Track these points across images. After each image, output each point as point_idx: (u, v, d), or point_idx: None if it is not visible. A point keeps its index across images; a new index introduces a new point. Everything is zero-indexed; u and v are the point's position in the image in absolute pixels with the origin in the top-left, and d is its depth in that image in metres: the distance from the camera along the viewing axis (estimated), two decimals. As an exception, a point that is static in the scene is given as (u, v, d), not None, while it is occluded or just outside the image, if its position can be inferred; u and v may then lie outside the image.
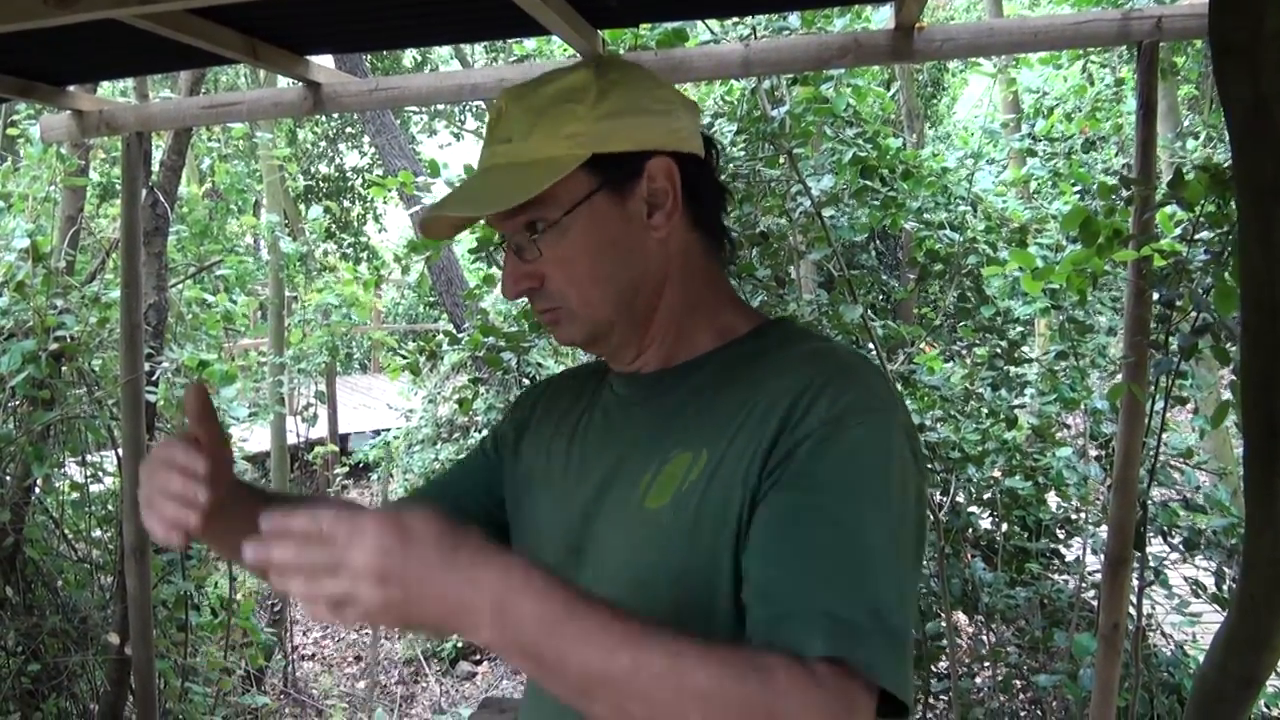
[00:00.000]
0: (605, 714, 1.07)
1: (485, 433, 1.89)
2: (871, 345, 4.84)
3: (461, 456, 1.73)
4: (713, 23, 4.93)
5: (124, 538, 4.76)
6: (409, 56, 17.60)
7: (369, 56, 13.04)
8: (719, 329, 1.44)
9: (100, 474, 6.76)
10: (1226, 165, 3.23)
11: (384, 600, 1.04)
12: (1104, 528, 4.46)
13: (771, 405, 1.25)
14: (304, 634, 10.38)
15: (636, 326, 1.42)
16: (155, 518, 1.31)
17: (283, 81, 4.09)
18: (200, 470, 1.29)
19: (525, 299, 1.44)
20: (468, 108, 21.77)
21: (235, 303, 8.60)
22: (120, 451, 5.77)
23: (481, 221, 1.53)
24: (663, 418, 1.39)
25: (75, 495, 6.56)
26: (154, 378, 6.25)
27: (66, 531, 6.54)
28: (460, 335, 5.72)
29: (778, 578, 1.15)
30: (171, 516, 1.30)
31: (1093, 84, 10.01)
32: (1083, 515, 5.83)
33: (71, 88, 4.28)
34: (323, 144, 19.51)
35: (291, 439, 12.09)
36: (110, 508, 6.59)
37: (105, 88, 10.69)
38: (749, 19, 4.77)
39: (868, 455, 1.21)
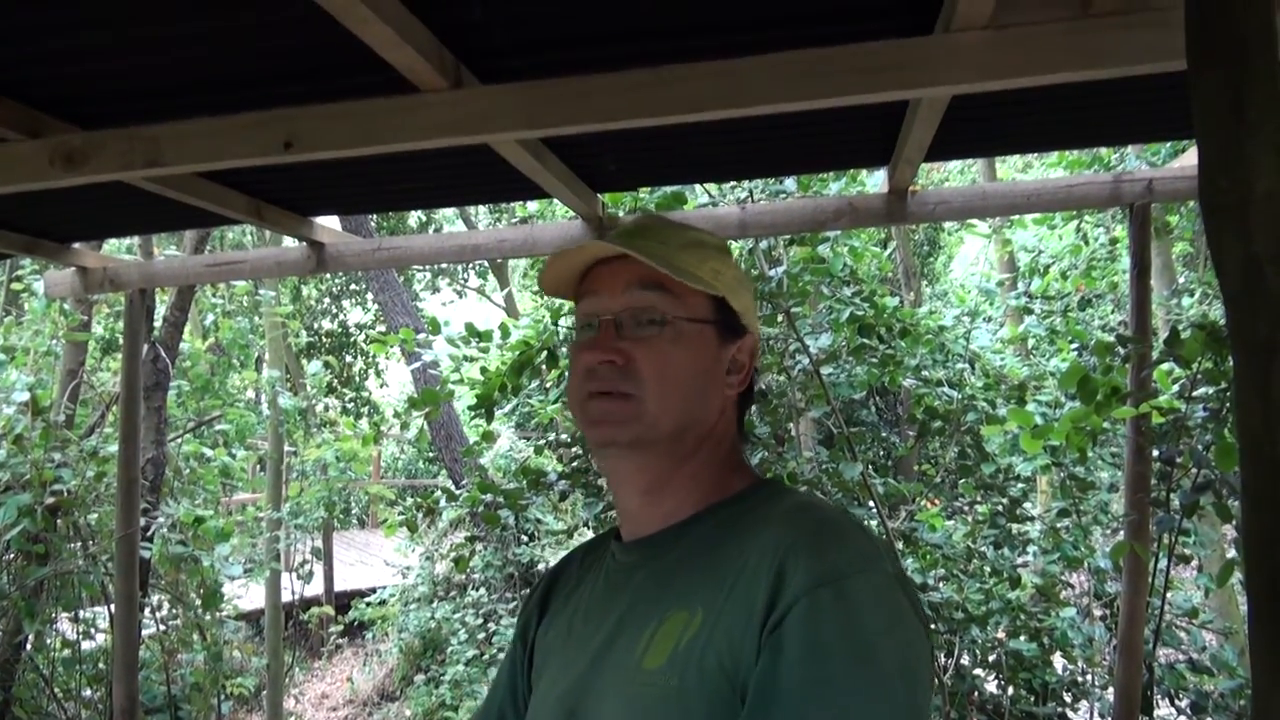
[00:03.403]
0: None
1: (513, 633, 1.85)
2: (872, 503, 4.81)
3: (501, 662, 1.72)
4: (711, 186, 5.02)
5: (114, 699, 4.66)
6: (414, 216, 17.85)
7: (374, 216, 13.25)
8: (721, 487, 1.46)
9: (93, 631, 6.67)
10: (1222, 322, 3.26)
11: None
12: (1111, 690, 4.39)
13: (759, 563, 1.26)
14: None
15: (672, 457, 1.44)
16: None
17: (287, 240, 4.14)
18: None
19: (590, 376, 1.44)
20: (470, 266, 22.04)
21: (234, 457, 8.59)
22: (113, 608, 5.70)
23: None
24: (660, 579, 1.39)
25: (67, 652, 6.47)
26: (149, 533, 6.22)
27: (57, 690, 6.44)
28: (458, 492, 5.70)
29: None
30: None
31: (1087, 243, 10.14)
32: (1089, 677, 5.73)
33: (76, 245, 4.34)
34: (326, 300, 19.68)
35: (287, 596, 11.96)
36: (102, 666, 6.50)
37: (111, 241, 10.83)
38: (746, 182, 4.86)
39: (867, 618, 1.20)
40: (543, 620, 1.62)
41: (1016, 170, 14.07)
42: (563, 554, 1.79)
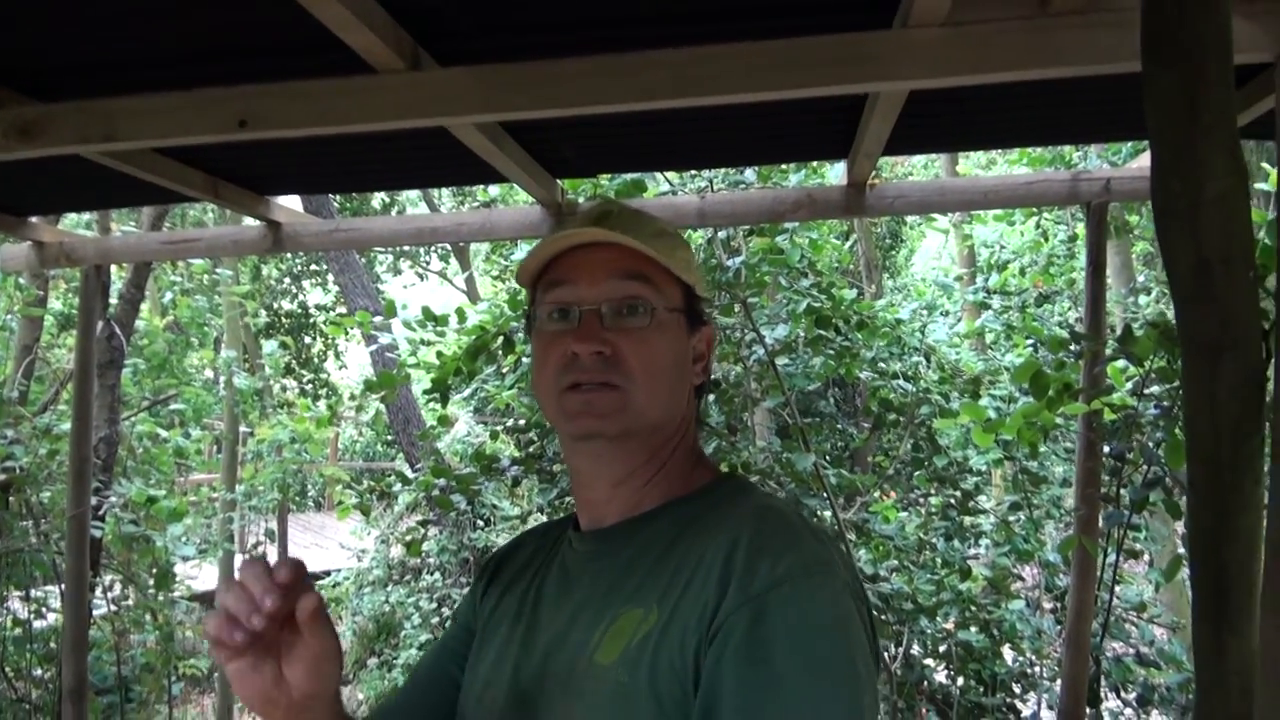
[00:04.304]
0: None
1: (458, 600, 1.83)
2: (825, 494, 4.84)
3: (436, 642, 1.71)
4: (672, 175, 5.02)
5: (63, 679, 4.62)
6: (378, 198, 17.75)
7: (337, 196, 13.17)
8: (685, 482, 1.46)
9: (44, 610, 6.62)
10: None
11: None
12: (1059, 682, 4.43)
13: (714, 563, 1.25)
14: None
15: (648, 448, 1.43)
16: (214, 620, 1.23)
17: (247, 219, 4.12)
18: (266, 588, 1.20)
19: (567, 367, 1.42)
20: (432, 249, 21.93)
21: (189, 436, 8.53)
22: (63, 587, 5.66)
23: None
24: (616, 572, 1.38)
25: (18, 631, 6.41)
26: (100, 512, 6.17)
27: (8, 669, 6.38)
28: (412, 476, 5.69)
29: None
30: (224, 623, 1.22)
31: (1047, 240, 10.20)
32: (1038, 669, 5.79)
33: (33, 219, 4.29)
34: (287, 280, 19.54)
35: (240, 578, 11.84)
36: (53, 645, 6.45)
37: (68, 217, 10.72)
38: (707, 171, 4.86)
39: (817, 625, 1.20)
40: (487, 595, 1.60)
41: (980, 167, 14.13)
42: (515, 535, 1.77)
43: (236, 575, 1.23)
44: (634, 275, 1.40)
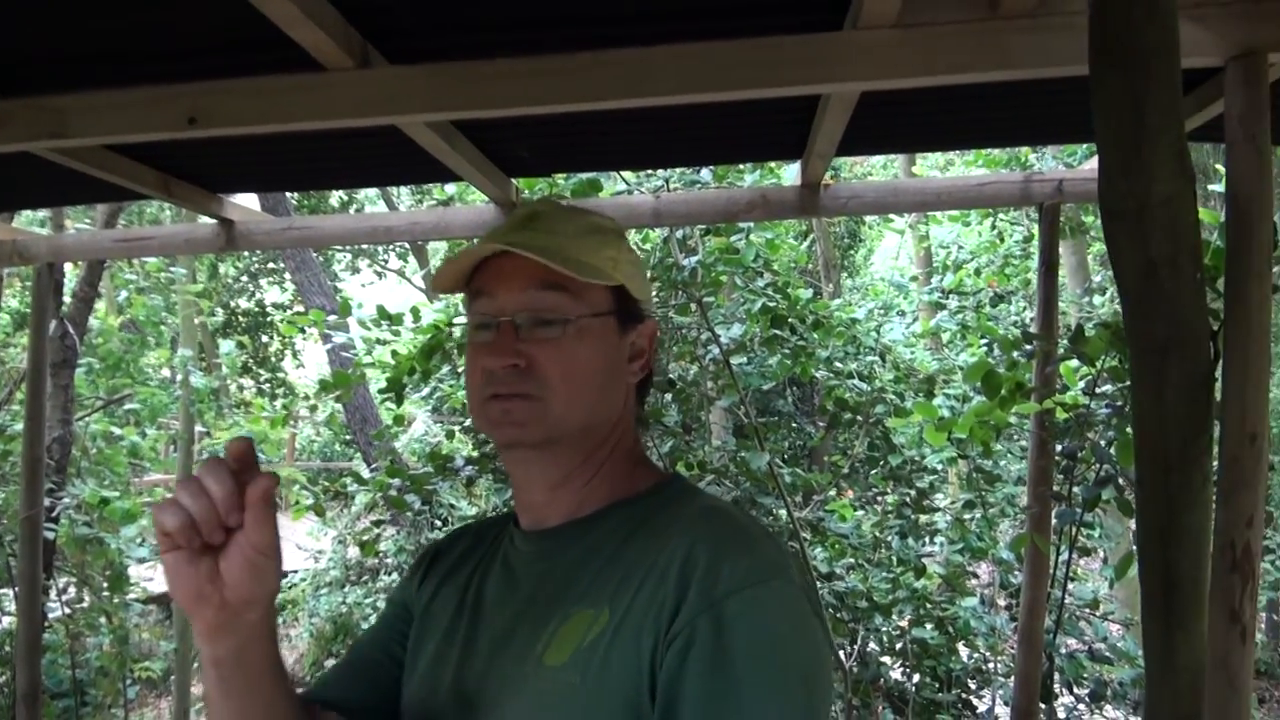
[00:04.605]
0: None
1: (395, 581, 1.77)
2: (780, 492, 4.85)
3: (374, 625, 1.68)
4: (628, 174, 5.02)
5: (17, 683, 4.56)
6: (335, 196, 17.66)
7: (293, 194, 13.08)
8: (628, 483, 1.45)
9: (-2, 613, 6.56)
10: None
11: None
12: (1013, 679, 4.46)
13: (668, 566, 1.25)
14: (202, 783, 10.01)
15: (579, 452, 1.42)
16: (173, 517, 1.18)
17: (201, 217, 4.09)
18: (233, 505, 1.18)
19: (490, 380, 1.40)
20: (390, 248, 21.84)
21: (144, 436, 8.46)
22: (17, 590, 5.59)
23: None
24: (564, 573, 1.37)
25: (-30, 635, 6.35)
26: (54, 514, 6.11)
27: (-38, 673, 6.32)
28: (367, 476, 5.66)
29: None
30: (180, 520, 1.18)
31: (1002, 241, 10.27)
32: (993, 665, 5.83)
33: (-14, 217, 4.25)
34: (244, 279, 19.43)
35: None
36: (7, 649, 6.38)
37: (21, 214, 10.61)
38: (662, 171, 4.86)
39: (778, 631, 1.20)
40: (424, 583, 1.59)
41: (936, 168, 14.21)
42: (451, 530, 1.75)
43: (201, 478, 1.19)
44: (551, 285, 1.37)
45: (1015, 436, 7.01)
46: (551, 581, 1.38)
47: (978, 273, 9.90)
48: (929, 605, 5.44)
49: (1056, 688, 4.76)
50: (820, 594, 4.81)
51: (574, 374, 1.37)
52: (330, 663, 10.55)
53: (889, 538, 5.64)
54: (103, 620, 7.20)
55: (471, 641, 1.42)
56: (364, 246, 20.88)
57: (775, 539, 1.35)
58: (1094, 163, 4.11)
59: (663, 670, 1.19)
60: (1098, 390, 4.00)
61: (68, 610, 7.07)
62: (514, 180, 3.78)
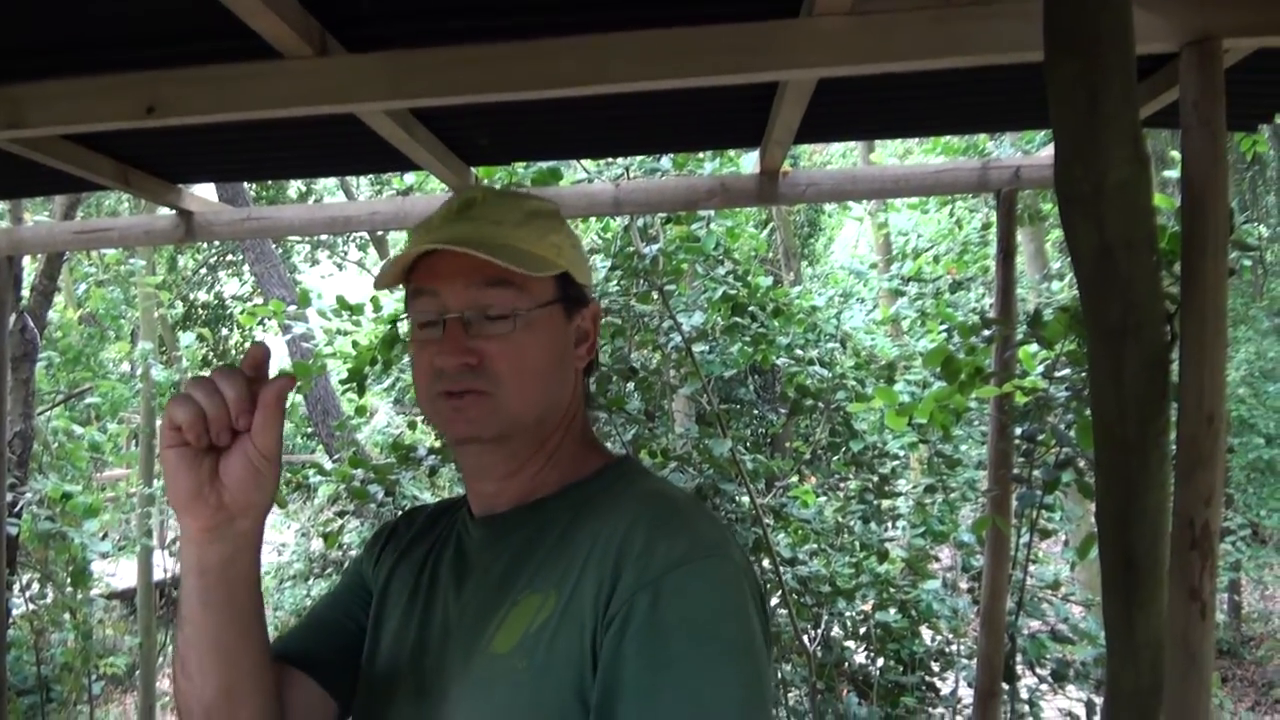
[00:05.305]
0: None
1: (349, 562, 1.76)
2: (742, 479, 4.87)
3: (332, 590, 1.68)
4: (588, 162, 5.02)
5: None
6: (294, 186, 17.54)
7: (252, 185, 12.99)
8: (577, 466, 1.45)
9: (-38, 610, 6.48)
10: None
11: None
12: (975, 660, 4.50)
13: (607, 548, 1.25)
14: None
15: (532, 442, 1.41)
16: (186, 411, 1.20)
17: (160, 209, 4.05)
18: (244, 409, 1.19)
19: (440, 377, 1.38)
20: (350, 239, 21.70)
21: (105, 431, 8.38)
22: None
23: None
24: (512, 559, 1.37)
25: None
26: (16, 509, 6.05)
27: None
28: (329, 467, 5.63)
29: None
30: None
31: (961, 228, 10.34)
32: (955, 647, 5.87)
33: (-60, 209, 4.20)
34: (203, 271, 19.29)
35: (160, 574, 11.67)
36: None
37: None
38: (623, 159, 4.86)
39: (714, 607, 1.20)
40: (381, 559, 1.59)
41: (895, 155, 14.28)
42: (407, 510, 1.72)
43: (215, 379, 1.21)
44: (498, 281, 1.34)
45: (975, 421, 7.06)
46: (500, 566, 1.38)
47: (936, 260, 9.96)
48: (892, 589, 5.48)
49: (1019, 668, 4.80)
50: (784, 578, 4.83)
51: (525, 368, 1.36)
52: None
53: (851, 523, 5.67)
54: (66, 616, 7.14)
55: (425, 627, 1.42)
56: (323, 238, 20.75)
57: (715, 520, 1.36)
58: (1050, 150, 4.15)
59: (602, 650, 1.19)
60: (1056, 374, 4.03)
61: (31, 606, 7.00)
62: (473, 169, 3.78)
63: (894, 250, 11.52)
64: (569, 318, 1.43)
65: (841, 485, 6.18)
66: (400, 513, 1.89)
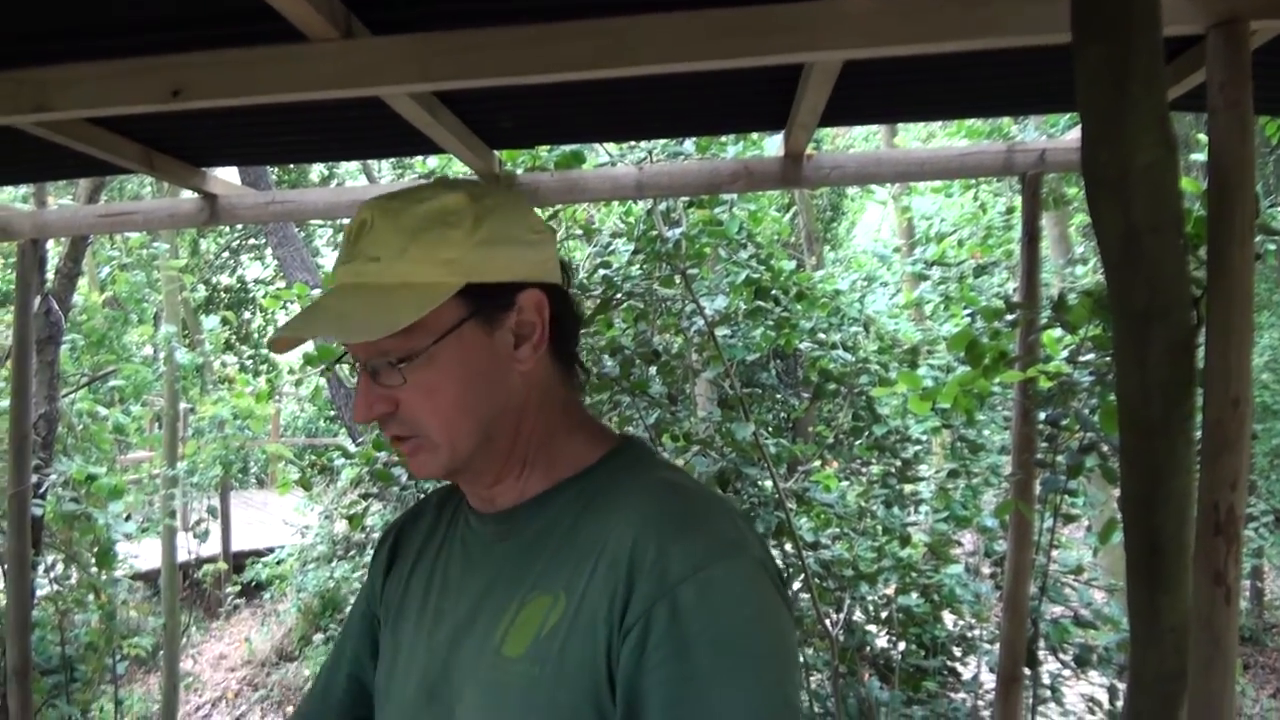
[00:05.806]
0: None
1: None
2: (765, 463, 4.86)
3: (346, 622, 1.67)
4: (611, 145, 5.01)
5: (8, 659, 4.55)
6: (316, 170, 17.57)
7: (274, 169, 13.02)
8: (573, 457, 1.39)
9: (-14, 590, 6.53)
10: (1108, 290, 3.33)
11: None
12: (998, 645, 4.50)
13: (619, 548, 1.22)
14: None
15: (494, 458, 1.36)
16: None
17: (185, 192, 4.07)
18: None
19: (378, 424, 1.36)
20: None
21: (129, 414, 8.43)
22: (5, 567, 5.57)
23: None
24: (519, 557, 1.34)
25: (-38, 612, 6.32)
26: (41, 490, 6.09)
27: (-48, 651, 6.29)
28: (353, 450, 5.65)
29: None
30: None
31: (985, 212, 10.29)
32: (978, 632, 5.87)
33: (-34, 193, 4.23)
34: (225, 254, 19.36)
35: (183, 555, 11.75)
36: (-1, 625, 6.37)
37: (3, 190, 10.57)
38: (646, 143, 4.86)
39: (736, 612, 1.17)
40: (391, 574, 1.56)
41: (918, 139, 14.21)
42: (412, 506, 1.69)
43: None
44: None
45: (999, 406, 7.04)
46: (509, 564, 1.34)
47: (960, 244, 9.93)
48: (914, 574, 5.47)
49: (1041, 653, 4.79)
50: (806, 563, 4.83)
51: (440, 406, 1.30)
52: (319, 638, 10.57)
53: (874, 507, 5.66)
54: (90, 597, 7.19)
55: (435, 632, 1.39)
56: (346, 222, 20.75)
57: (728, 508, 1.32)
58: (1076, 133, 4.12)
59: (621, 664, 1.17)
60: (1081, 358, 4.01)
61: (56, 587, 7.05)
62: (496, 152, 3.78)
63: (917, 234, 11.48)
64: (491, 326, 1.32)
65: (864, 470, 6.16)
66: (422, 495, 1.87)
